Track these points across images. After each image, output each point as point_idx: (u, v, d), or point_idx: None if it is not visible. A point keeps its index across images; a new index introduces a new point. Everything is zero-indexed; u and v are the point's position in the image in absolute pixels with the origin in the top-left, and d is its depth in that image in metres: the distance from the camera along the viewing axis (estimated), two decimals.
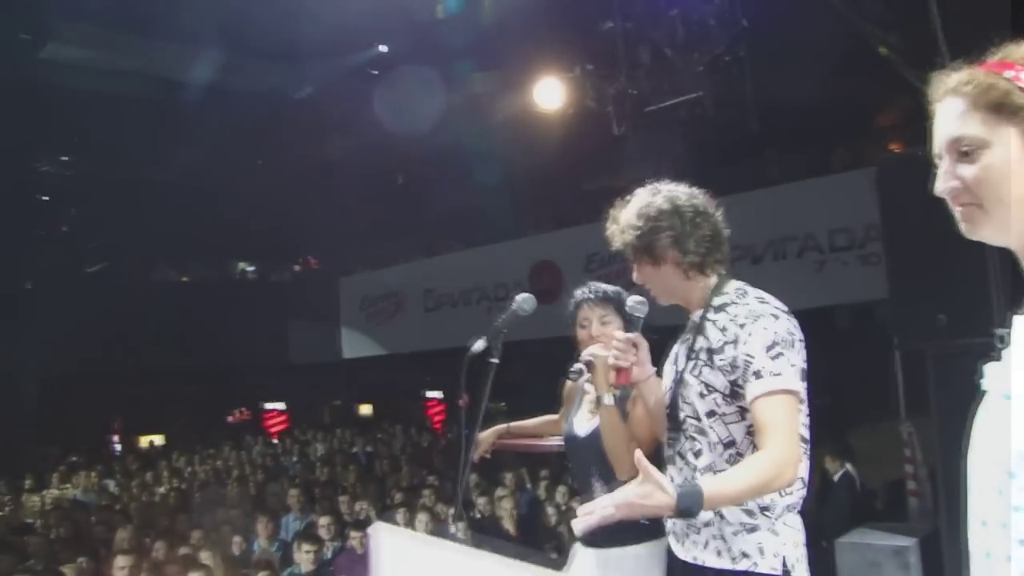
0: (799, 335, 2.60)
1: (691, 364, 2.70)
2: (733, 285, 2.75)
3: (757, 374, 2.50)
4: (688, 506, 2.24)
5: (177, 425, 18.99)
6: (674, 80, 8.50)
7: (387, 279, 18.15)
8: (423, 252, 18.25)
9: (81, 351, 15.49)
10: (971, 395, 1.52)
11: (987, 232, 1.49)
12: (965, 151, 1.48)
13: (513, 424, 3.83)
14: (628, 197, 2.90)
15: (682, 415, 2.73)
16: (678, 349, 2.86)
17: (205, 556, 6.94)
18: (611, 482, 3.29)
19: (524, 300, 3.29)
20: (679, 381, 2.73)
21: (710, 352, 2.64)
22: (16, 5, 12.20)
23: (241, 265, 20.29)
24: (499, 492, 8.42)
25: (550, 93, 10.04)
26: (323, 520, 7.70)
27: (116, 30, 13.69)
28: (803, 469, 2.63)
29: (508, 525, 7.98)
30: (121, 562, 6.47)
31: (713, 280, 2.76)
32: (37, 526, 9.29)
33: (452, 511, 7.54)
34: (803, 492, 2.71)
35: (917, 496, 8.10)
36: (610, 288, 3.50)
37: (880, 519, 7.86)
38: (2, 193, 14.87)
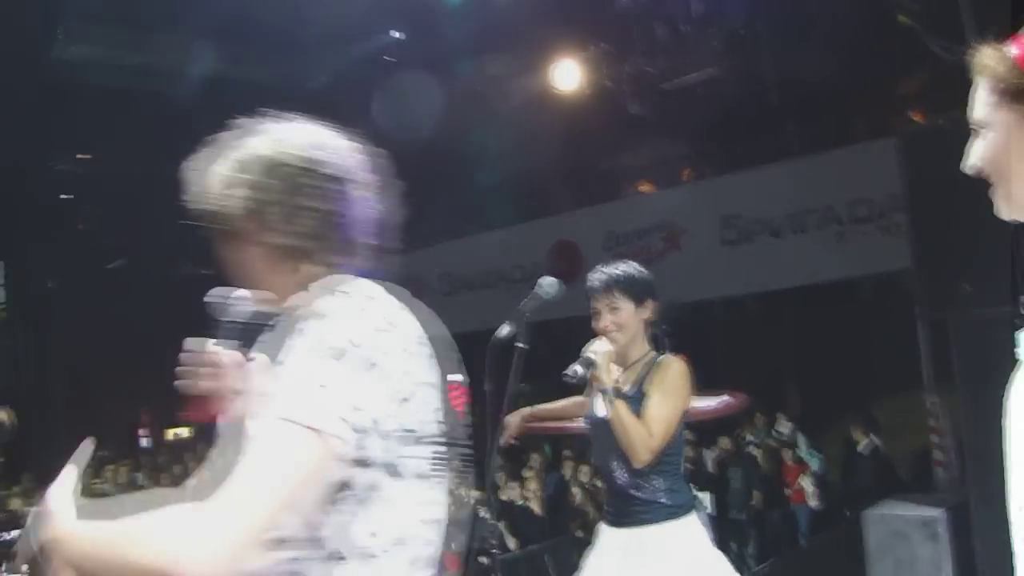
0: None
1: None
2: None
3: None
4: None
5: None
6: (690, 56, 8.44)
7: (404, 264, 18.09)
8: (439, 236, 18.20)
9: (106, 348, 15.60)
10: (996, 364, 1.52)
11: (1003, 207, 1.55)
12: (978, 130, 1.54)
13: (539, 407, 3.84)
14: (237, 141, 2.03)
15: None
16: None
17: None
18: (631, 464, 3.31)
19: (548, 284, 3.30)
20: None
21: None
22: (26, 6, 12.24)
23: None
24: (525, 474, 8.44)
25: (566, 74, 10.02)
26: None
27: (126, 26, 13.69)
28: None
29: (535, 506, 8.00)
30: None
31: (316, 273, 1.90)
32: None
33: (478, 495, 7.56)
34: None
35: (944, 467, 8.08)
36: (617, 270, 3.47)
37: (906, 490, 7.85)
38: (22, 194, 14.96)
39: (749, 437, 11.06)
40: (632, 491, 3.37)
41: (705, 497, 8.08)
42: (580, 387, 3.66)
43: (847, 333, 12.74)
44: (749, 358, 13.58)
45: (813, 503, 10.20)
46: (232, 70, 14.88)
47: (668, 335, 3.55)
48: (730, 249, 12.73)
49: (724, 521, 8.97)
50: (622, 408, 3.27)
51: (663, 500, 3.33)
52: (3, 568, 1.79)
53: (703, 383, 3.51)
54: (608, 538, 3.48)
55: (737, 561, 8.67)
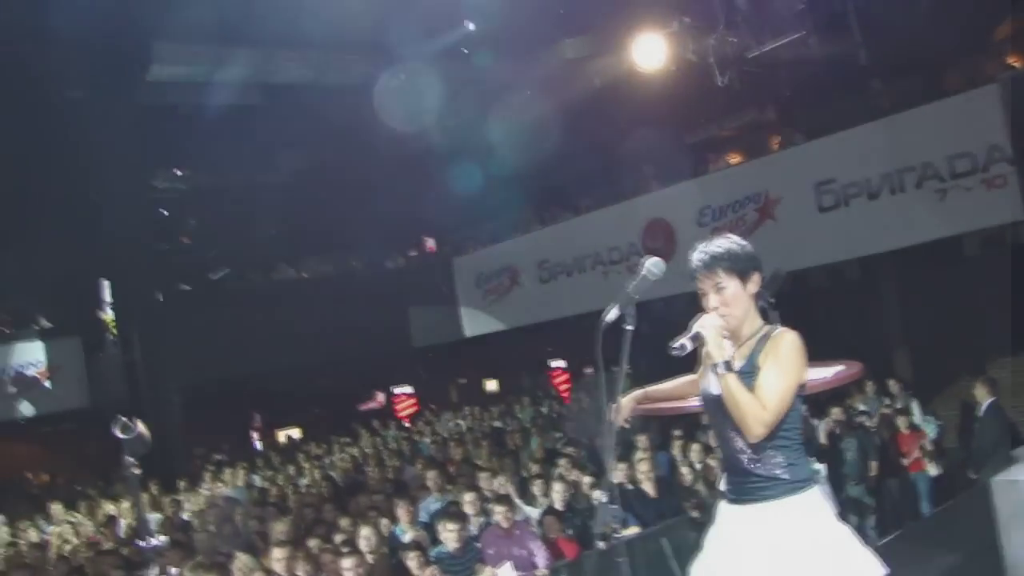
0: None
1: None
2: None
3: None
4: None
5: (312, 417, 19.61)
6: (774, 22, 8.26)
7: (500, 254, 18.26)
8: (532, 224, 18.27)
9: (214, 355, 16.07)
10: None
11: None
12: None
13: (652, 388, 3.80)
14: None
15: None
16: None
17: (356, 542, 7.14)
18: (748, 439, 3.26)
19: (653, 264, 3.27)
20: None
21: None
22: (117, 35, 12.67)
23: (356, 257, 20.70)
24: (636, 455, 8.41)
25: (649, 51, 9.90)
26: (467, 497, 7.83)
27: (212, 43, 14.09)
28: None
29: (647, 487, 7.97)
30: (279, 554, 6.71)
31: None
32: (196, 524, 9.72)
33: (591, 479, 7.57)
34: None
35: None
36: (718, 247, 3.40)
37: None
38: (126, 212, 15.51)
39: (860, 406, 10.81)
40: (751, 467, 3.32)
41: (821, 468, 7.92)
42: (690, 366, 3.62)
43: (955, 292, 12.37)
44: (853, 325, 13.30)
45: (933, 471, 9.93)
46: (311, 76, 15.22)
47: (773, 307, 3.48)
48: (827, 215, 12.46)
49: (840, 494, 8.78)
50: (733, 382, 3.23)
51: (783, 475, 3.28)
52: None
53: (810, 354, 3.43)
54: (728, 516, 3.44)
55: (858, 534, 8.49)
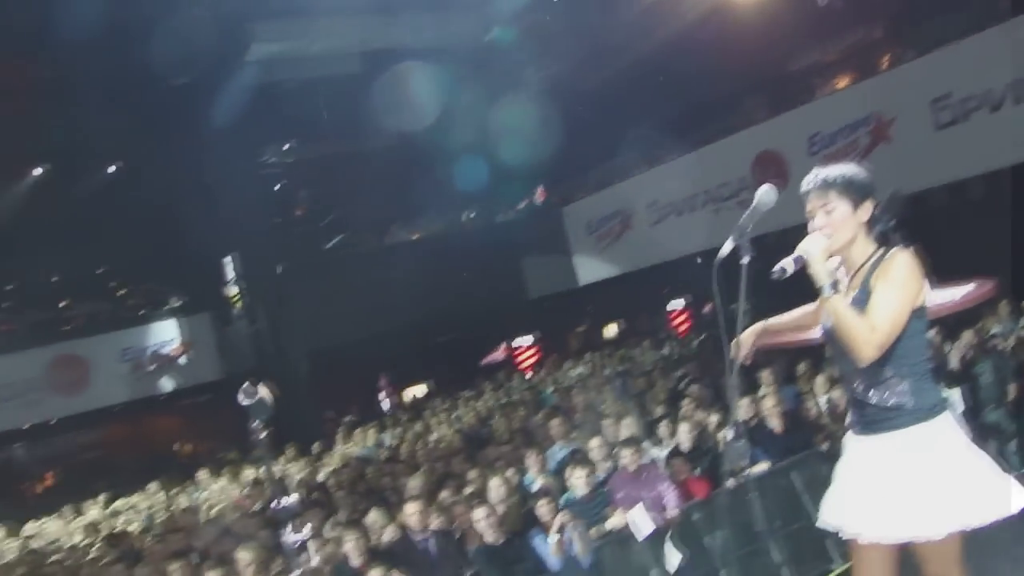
0: None
1: None
2: None
3: None
4: None
5: (436, 374, 19.97)
6: None
7: (608, 199, 18.16)
8: (640, 166, 18.07)
9: (336, 321, 16.49)
10: None
11: None
12: None
13: (772, 320, 3.71)
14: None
15: None
16: None
17: (487, 493, 7.26)
18: (871, 365, 3.18)
19: (765, 193, 3.20)
20: None
21: None
22: (213, 20, 12.97)
23: (466, 213, 20.87)
24: (761, 391, 8.29)
25: None
26: (593, 443, 7.86)
27: (307, 17, 14.28)
28: None
29: (774, 423, 7.85)
30: (411, 508, 6.88)
31: None
32: (331, 484, 10.05)
33: (717, 418, 7.51)
34: None
35: None
36: (833, 171, 3.31)
37: None
38: (241, 191, 15.98)
39: (994, 328, 10.37)
40: (875, 397, 3.23)
41: (955, 394, 7.65)
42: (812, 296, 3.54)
43: None
44: (979, 245, 12.72)
45: None
46: (408, 39, 15.27)
47: (895, 230, 3.34)
48: (945, 132, 11.94)
49: (977, 419, 8.47)
50: (837, 302, 3.14)
51: (909, 404, 3.18)
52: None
53: (941, 276, 3.31)
54: (857, 448, 3.36)
55: (998, 461, 8.18)
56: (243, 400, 3.37)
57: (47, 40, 12.08)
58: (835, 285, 3.18)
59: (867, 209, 3.26)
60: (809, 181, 3.32)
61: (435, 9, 14.66)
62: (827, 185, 3.27)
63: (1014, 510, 3.11)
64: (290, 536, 3.53)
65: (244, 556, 6.18)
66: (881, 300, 3.12)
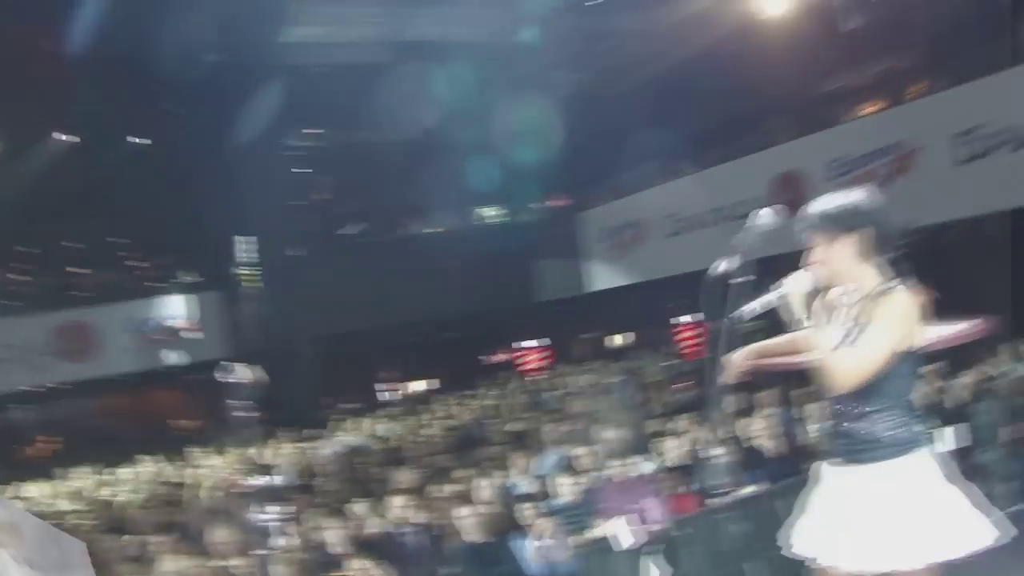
0: None
1: None
2: None
3: None
4: None
5: (438, 371, 19.97)
6: None
7: (626, 208, 18.11)
8: (661, 177, 18.03)
9: (344, 309, 16.52)
10: None
11: None
12: None
13: (765, 343, 3.70)
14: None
15: None
16: None
17: (474, 493, 7.26)
18: (853, 398, 3.17)
19: (764, 215, 3.21)
20: None
21: None
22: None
23: (484, 211, 20.86)
24: (757, 412, 8.26)
25: None
26: (581, 451, 7.85)
27: (342, 3, 14.33)
28: None
29: (767, 446, 7.81)
30: (398, 501, 6.88)
31: None
32: (320, 470, 10.06)
33: (711, 435, 7.48)
34: None
35: None
36: (816, 206, 3.32)
37: None
38: (261, 171, 16.04)
39: (995, 369, 10.30)
40: (853, 428, 3.24)
41: (948, 432, 7.60)
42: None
43: None
44: (994, 282, 12.64)
45: None
46: (439, 32, 15.31)
47: (904, 260, 3.33)
48: (968, 166, 11.86)
49: (970, 458, 8.42)
50: (816, 334, 3.18)
51: (888, 438, 3.18)
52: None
53: (944, 311, 3.30)
54: (833, 478, 3.36)
55: (989, 501, 8.10)
56: (220, 377, 3.39)
57: (81, 10, 12.17)
58: (802, 323, 3.19)
59: (853, 242, 3.24)
60: (803, 216, 3.33)
61: (467, 5, 14.67)
62: (812, 219, 3.29)
63: (986, 545, 3.10)
64: (271, 517, 3.54)
65: (221, 534, 6.19)
66: (865, 338, 3.13)
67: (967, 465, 7.70)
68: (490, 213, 20.88)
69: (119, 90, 13.72)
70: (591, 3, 14.59)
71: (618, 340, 21.27)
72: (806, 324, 3.19)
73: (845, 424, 3.27)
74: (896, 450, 3.18)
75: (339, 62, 15.78)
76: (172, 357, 17.38)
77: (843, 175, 13.12)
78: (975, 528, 3.12)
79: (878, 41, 11.59)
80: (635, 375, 15.42)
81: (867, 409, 3.20)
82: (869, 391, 3.16)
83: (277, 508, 3.63)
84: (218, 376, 3.38)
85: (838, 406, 3.28)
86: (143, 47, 12.77)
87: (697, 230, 16.29)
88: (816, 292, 3.33)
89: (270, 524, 3.55)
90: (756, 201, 14.70)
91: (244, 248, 16.98)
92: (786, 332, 3.70)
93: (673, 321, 19.28)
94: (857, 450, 3.25)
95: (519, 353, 20.14)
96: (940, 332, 5.57)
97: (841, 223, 3.25)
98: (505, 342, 20.67)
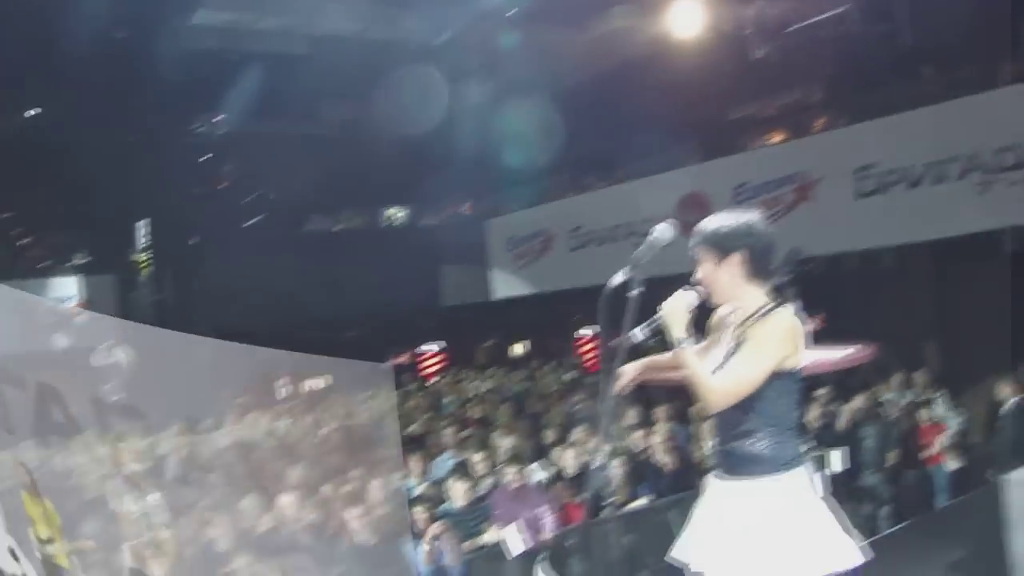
0: None
1: None
2: None
3: None
4: None
5: (337, 369, 19.71)
6: None
7: (533, 219, 18.23)
8: (567, 191, 18.21)
9: (243, 302, 16.20)
10: None
11: None
12: None
13: (655, 357, 3.77)
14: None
15: None
16: None
17: (367, 493, 7.20)
18: (734, 415, 3.25)
19: (662, 230, 3.27)
20: None
21: None
22: None
23: (390, 212, 20.75)
24: (653, 427, 8.41)
25: (686, 19, 9.76)
26: (476, 457, 7.87)
27: None
28: None
29: (663, 459, 7.96)
30: (289, 499, 6.78)
31: None
32: (212, 463, 9.83)
33: (602, 446, 7.57)
34: None
35: None
36: (705, 225, 3.41)
37: None
38: (164, 155, 15.63)
39: (885, 395, 10.71)
40: (735, 444, 3.33)
41: (836, 455, 7.86)
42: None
43: (991, 287, 12.15)
44: (885, 313, 13.13)
45: (952, 465, 9.78)
46: (357, 28, 15.16)
47: (790, 285, 3.43)
48: (865, 200, 12.32)
49: (855, 481, 8.73)
50: (686, 354, 3.24)
51: (767, 455, 3.27)
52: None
53: (836, 338, 3.40)
54: (714, 490, 3.46)
55: (869, 522, 8.43)
56: (96, 362, 3.29)
57: None
58: (680, 342, 3.25)
59: (738, 262, 3.33)
60: (692, 235, 3.41)
61: (386, 5, 14.58)
62: (699, 237, 3.37)
63: (846, 567, 3.19)
64: (154, 508, 3.46)
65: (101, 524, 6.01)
66: (739, 358, 3.22)
67: (852, 487, 8.00)
68: (397, 214, 20.78)
69: (19, 55, 13.12)
70: (510, 14, 14.63)
71: (519, 349, 21.36)
72: (685, 343, 3.25)
73: (729, 440, 3.36)
74: (775, 467, 3.27)
75: (251, 50, 15.47)
76: (59, 340, 16.77)
77: (747, 200, 13.46)
78: (834, 550, 3.22)
79: (788, 74, 11.90)
80: (534, 384, 15.53)
81: (749, 427, 3.28)
82: (748, 409, 3.25)
83: (161, 500, 3.54)
84: (95, 360, 3.28)
85: (722, 423, 3.37)
86: (51, 14, 12.31)
87: (603, 244, 16.49)
88: (707, 310, 3.41)
89: (153, 516, 3.46)
90: (662, 220, 14.98)
91: (143, 232, 16.55)
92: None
93: (575, 333, 19.47)
94: (738, 465, 3.34)
95: (420, 356, 20.06)
96: (824, 356, 5.75)
97: (727, 242, 3.33)
98: (406, 345, 20.56)
